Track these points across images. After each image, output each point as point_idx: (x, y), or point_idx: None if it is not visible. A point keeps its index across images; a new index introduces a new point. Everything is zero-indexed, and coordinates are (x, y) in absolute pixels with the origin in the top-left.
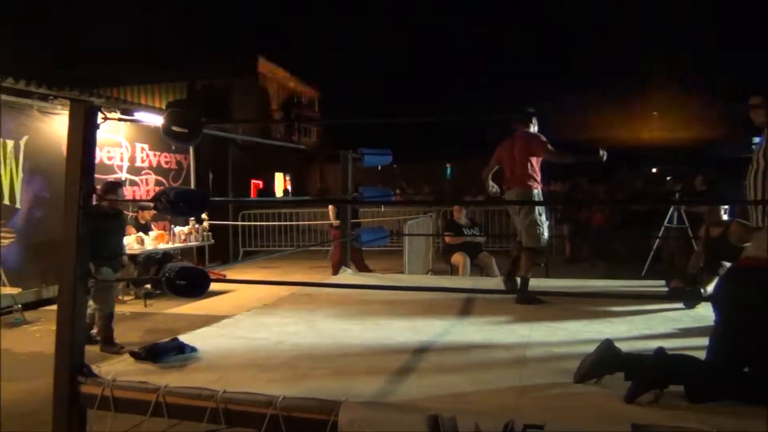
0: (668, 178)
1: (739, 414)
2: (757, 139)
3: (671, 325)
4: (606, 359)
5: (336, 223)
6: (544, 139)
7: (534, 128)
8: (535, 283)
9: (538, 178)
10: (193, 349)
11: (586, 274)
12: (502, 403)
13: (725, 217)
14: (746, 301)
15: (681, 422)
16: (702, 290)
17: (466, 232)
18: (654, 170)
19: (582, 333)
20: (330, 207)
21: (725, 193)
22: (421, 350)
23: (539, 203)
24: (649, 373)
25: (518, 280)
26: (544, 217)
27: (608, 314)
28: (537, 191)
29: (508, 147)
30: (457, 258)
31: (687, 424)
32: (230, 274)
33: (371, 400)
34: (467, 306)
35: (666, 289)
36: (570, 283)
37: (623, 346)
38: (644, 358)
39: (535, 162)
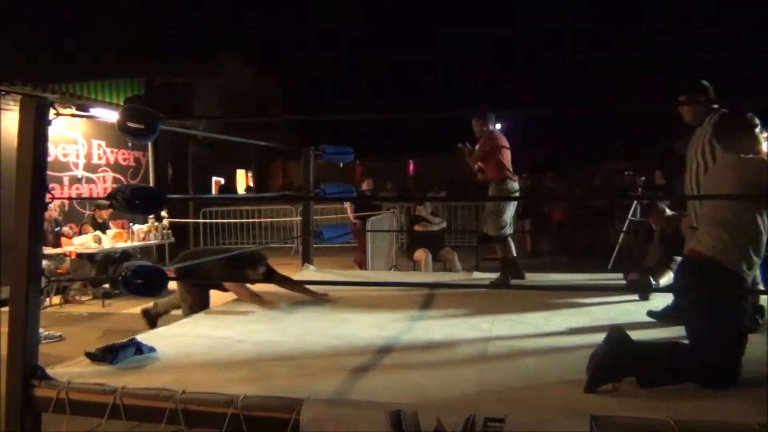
0: (626, 173)
1: (696, 402)
2: None
3: (629, 317)
4: (618, 358)
5: (354, 218)
6: (491, 141)
7: (491, 126)
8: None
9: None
10: (152, 349)
11: (548, 268)
12: (464, 397)
13: (668, 212)
14: (691, 291)
15: (639, 412)
16: (654, 282)
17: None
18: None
19: (543, 327)
20: (347, 204)
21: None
22: (384, 347)
23: (507, 198)
24: (606, 365)
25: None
26: (508, 210)
27: (569, 307)
28: (508, 185)
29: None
30: (420, 254)
31: (645, 413)
32: None
33: (333, 397)
34: (430, 301)
35: (624, 281)
36: (532, 277)
37: (582, 339)
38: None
39: (502, 157)
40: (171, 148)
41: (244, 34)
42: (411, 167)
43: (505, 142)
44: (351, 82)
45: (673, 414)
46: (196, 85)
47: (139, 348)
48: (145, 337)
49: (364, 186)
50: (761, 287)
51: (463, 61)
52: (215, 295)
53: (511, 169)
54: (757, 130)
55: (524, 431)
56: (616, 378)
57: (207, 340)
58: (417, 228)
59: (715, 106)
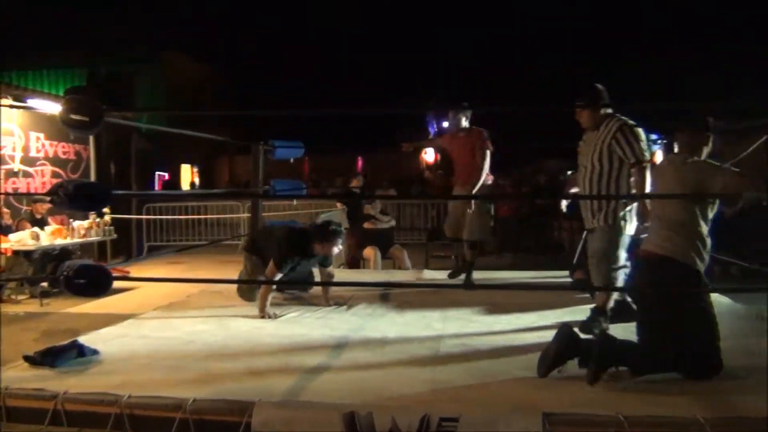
0: (569, 172)
1: (645, 399)
2: (654, 136)
3: (577, 314)
4: (568, 345)
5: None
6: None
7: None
8: (443, 276)
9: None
10: (95, 352)
11: (494, 265)
12: (418, 397)
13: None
14: (646, 289)
15: (589, 409)
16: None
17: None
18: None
19: (493, 325)
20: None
21: None
22: (336, 346)
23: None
24: (600, 357)
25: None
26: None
27: (517, 305)
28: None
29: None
30: (369, 252)
31: (595, 410)
32: (134, 271)
33: (285, 399)
34: (381, 300)
35: (570, 279)
36: (481, 276)
37: (531, 337)
38: (592, 344)
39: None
40: (113, 142)
41: (191, 25)
42: (359, 164)
43: None
44: (300, 76)
45: (622, 409)
46: (140, 76)
47: (81, 350)
48: (87, 339)
49: (354, 183)
50: None
51: (410, 57)
52: (156, 295)
53: None
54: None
55: (478, 430)
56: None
57: (152, 341)
58: (366, 225)
59: (610, 111)
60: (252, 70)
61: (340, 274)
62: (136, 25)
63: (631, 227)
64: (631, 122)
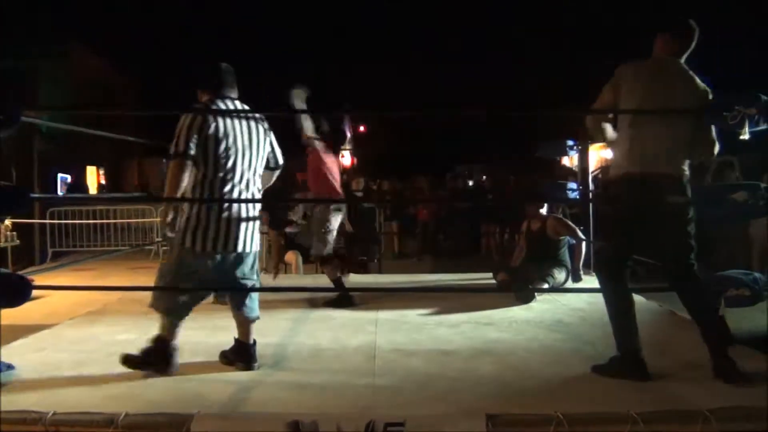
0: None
1: (590, 399)
2: (570, 142)
3: (505, 314)
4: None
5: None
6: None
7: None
8: (372, 279)
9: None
10: (9, 367)
11: (416, 268)
12: (360, 402)
13: (543, 212)
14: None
15: (531, 409)
16: (546, 284)
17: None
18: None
19: (424, 327)
20: None
21: (548, 192)
22: (271, 354)
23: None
24: None
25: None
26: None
27: (447, 306)
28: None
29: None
30: (290, 256)
31: (537, 410)
32: (39, 279)
33: (225, 410)
34: (309, 304)
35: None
36: (407, 278)
37: (462, 338)
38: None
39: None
40: (14, 142)
41: (98, 19)
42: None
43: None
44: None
45: (563, 410)
46: (41, 72)
47: None
48: None
49: (354, 185)
50: None
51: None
52: (64, 304)
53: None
54: None
55: None
56: None
57: (73, 354)
58: (288, 230)
59: None
60: (161, 69)
61: (266, 280)
62: (40, 18)
63: None
64: None
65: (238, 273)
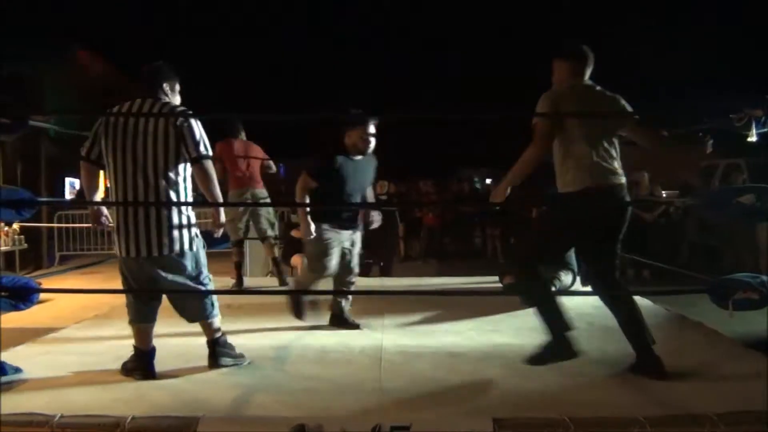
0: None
1: (597, 403)
2: None
3: (512, 318)
4: None
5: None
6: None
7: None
8: (378, 282)
9: None
10: (17, 370)
11: (421, 271)
12: (367, 406)
13: None
14: None
15: (538, 413)
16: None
17: None
18: None
19: (431, 331)
20: None
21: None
22: (277, 357)
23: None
24: None
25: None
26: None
27: (454, 309)
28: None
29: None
30: (296, 260)
31: (544, 414)
32: (47, 283)
33: (231, 413)
34: (315, 307)
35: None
36: (412, 281)
37: (470, 341)
38: None
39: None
40: (20, 145)
41: (104, 24)
42: (281, 170)
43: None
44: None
45: (568, 412)
46: (48, 77)
47: (1, 369)
48: (7, 356)
49: (378, 189)
50: None
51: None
52: (72, 307)
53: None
54: None
55: None
56: None
57: (80, 357)
58: (294, 233)
59: None
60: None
61: (270, 282)
62: (43, 22)
63: None
64: None
65: (171, 277)
